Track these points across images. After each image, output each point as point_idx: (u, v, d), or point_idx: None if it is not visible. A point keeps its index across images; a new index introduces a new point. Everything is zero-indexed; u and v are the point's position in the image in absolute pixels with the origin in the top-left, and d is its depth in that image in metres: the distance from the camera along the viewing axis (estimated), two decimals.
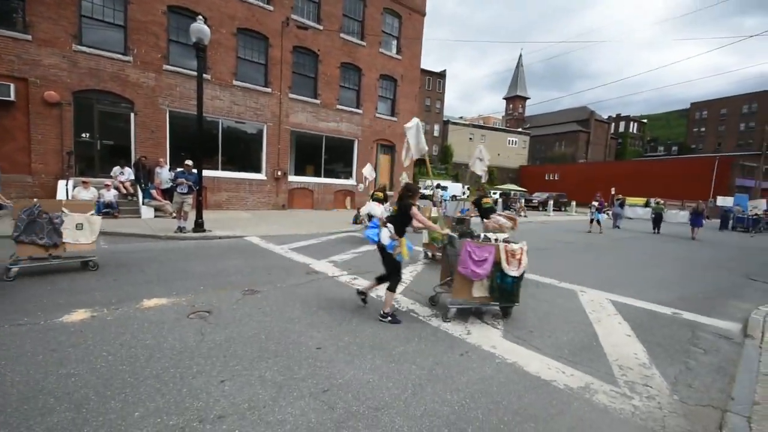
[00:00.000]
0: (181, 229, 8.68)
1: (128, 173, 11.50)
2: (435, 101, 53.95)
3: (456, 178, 45.56)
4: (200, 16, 8.79)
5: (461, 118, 70.26)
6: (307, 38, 15.56)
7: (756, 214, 21.02)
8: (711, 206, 26.13)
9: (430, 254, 7.54)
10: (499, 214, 7.39)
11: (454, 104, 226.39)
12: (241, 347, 3.28)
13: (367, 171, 10.61)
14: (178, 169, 9.03)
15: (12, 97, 10.19)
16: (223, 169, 14.31)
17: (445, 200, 18.53)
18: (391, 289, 4.08)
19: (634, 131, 78.90)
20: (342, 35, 16.61)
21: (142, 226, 9.41)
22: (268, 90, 14.89)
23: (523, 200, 27.01)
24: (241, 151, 15.06)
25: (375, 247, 4.27)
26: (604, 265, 8.48)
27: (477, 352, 3.52)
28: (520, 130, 63.72)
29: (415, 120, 5.57)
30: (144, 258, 6.31)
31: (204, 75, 9.20)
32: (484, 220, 7.13)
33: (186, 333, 3.49)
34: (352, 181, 18.26)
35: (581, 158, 61.21)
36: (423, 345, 3.58)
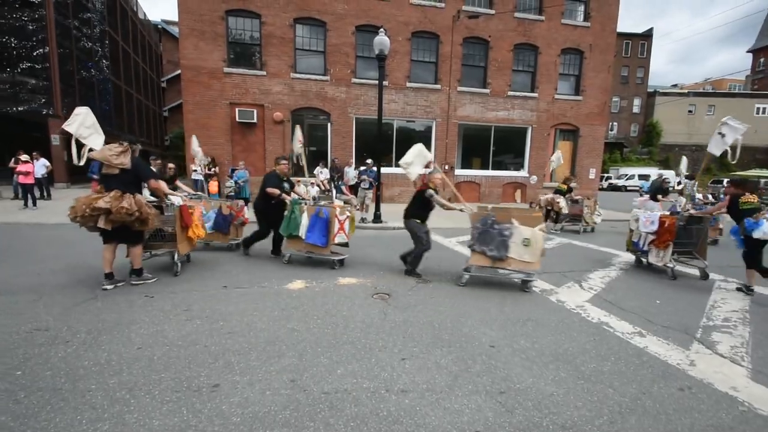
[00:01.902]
0: (363, 220, 9.97)
1: (325, 173, 13.96)
2: (635, 69, 43.90)
3: (666, 164, 36.17)
4: (382, 29, 9.78)
5: (675, 86, 55.16)
6: (477, 26, 15.19)
7: None
8: None
9: None
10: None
11: (664, 70, 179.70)
12: (417, 331, 3.48)
13: (555, 158, 9.66)
14: (362, 168, 10.39)
15: (254, 120, 13.92)
16: (395, 166, 15.64)
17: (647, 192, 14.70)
18: None
19: None
20: (516, 15, 15.47)
21: None
22: (438, 87, 15.34)
23: None
24: (410, 148, 16.08)
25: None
26: None
27: (706, 391, 2.67)
28: None
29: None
30: None
31: (383, 82, 10.23)
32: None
33: (371, 310, 3.96)
34: (523, 173, 16.94)
35: None
36: (623, 367, 2.96)
